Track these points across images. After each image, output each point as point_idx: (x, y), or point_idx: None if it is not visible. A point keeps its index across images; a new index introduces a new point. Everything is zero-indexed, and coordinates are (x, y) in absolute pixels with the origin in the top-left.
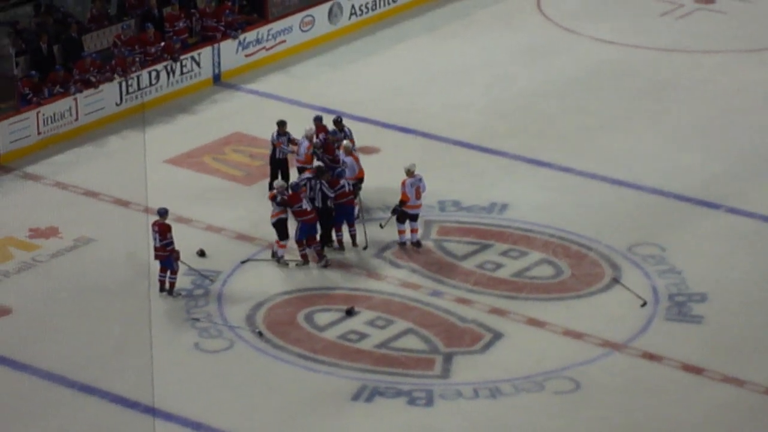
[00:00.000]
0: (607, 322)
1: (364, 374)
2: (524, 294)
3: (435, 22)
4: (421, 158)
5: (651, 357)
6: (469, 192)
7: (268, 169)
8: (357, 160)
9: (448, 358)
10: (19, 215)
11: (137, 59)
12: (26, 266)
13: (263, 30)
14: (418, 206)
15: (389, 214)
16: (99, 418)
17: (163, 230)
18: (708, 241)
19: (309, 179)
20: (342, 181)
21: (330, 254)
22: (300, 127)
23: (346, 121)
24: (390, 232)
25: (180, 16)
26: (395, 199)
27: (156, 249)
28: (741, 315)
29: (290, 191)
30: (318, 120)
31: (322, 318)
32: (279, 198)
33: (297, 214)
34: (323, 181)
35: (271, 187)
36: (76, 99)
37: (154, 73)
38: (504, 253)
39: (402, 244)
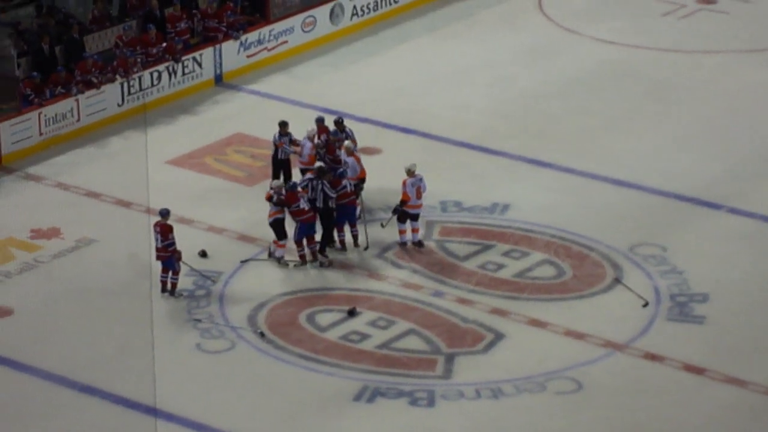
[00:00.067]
0: (609, 323)
1: (366, 375)
2: (526, 294)
3: (436, 22)
4: (422, 159)
5: (653, 357)
6: (471, 192)
7: (269, 170)
8: (359, 160)
9: (449, 359)
10: (20, 216)
11: (139, 60)
12: (28, 267)
13: (265, 31)
14: (419, 206)
15: (390, 214)
16: (101, 419)
17: (164, 231)
18: (709, 241)
19: (310, 180)
20: (344, 182)
21: (332, 255)
22: (302, 127)
23: (347, 122)
24: (391, 233)
25: (182, 17)
26: (397, 200)
27: (158, 250)
28: (743, 315)
29: (287, 191)
30: (320, 121)
31: (324, 318)
32: (275, 198)
33: (295, 214)
34: (325, 182)
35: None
36: (77, 100)
37: (155, 74)
38: (506, 254)
39: (402, 244)
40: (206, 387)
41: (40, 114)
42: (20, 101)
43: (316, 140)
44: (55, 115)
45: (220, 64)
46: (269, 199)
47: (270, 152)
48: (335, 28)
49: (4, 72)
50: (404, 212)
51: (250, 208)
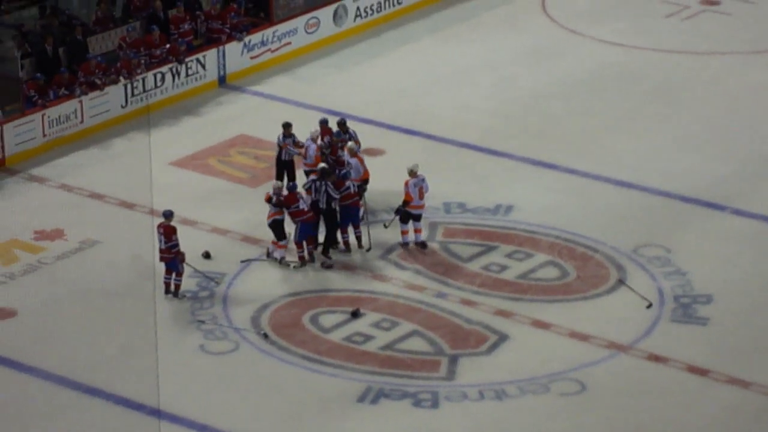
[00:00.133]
0: (613, 324)
1: (370, 376)
2: (529, 296)
3: (440, 24)
4: (426, 160)
5: (656, 359)
6: (475, 194)
7: (273, 171)
8: (362, 161)
9: (453, 360)
10: (24, 217)
11: (142, 61)
12: (31, 268)
13: (268, 32)
14: (422, 206)
15: (393, 215)
16: (104, 420)
17: (168, 232)
18: (713, 242)
19: (314, 181)
20: (347, 183)
21: (336, 256)
22: (305, 129)
23: (350, 123)
24: (395, 234)
25: (185, 19)
26: (399, 201)
27: (161, 251)
28: (746, 317)
29: (288, 191)
30: (323, 122)
31: (328, 320)
32: (275, 199)
33: (294, 215)
34: (329, 183)
35: None
36: (81, 101)
37: (159, 76)
38: (509, 255)
39: (405, 244)
40: (210, 388)
41: (43, 115)
42: (24, 103)
43: (319, 141)
44: (59, 116)
45: (224, 65)
46: (268, 200)
47: (273, 153)
48: (338, 30)
49: (8, 73)
50: (407, 213)
51: (254, 209)
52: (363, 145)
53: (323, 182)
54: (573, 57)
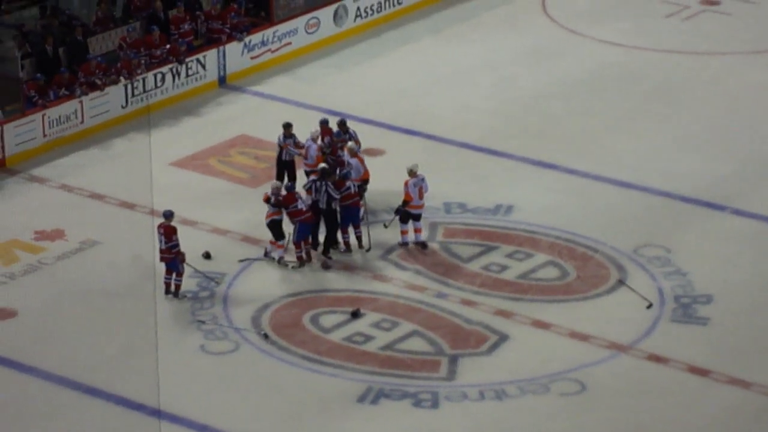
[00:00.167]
0: (613, 324)
1: (370, 376)
2: (530, 296)
3: (440, 24)
4: (426, 160)
5: (657, 359)
6: (475, 194)
7: (273, 171)
8: (362, 161)
9: (453, 360)
10: (24, 218)
11: (143, 62)
12: (32, 269)
13: (269, 32)
14: (421, 206)
15: (393, 215)
16: (104, 420)
17: (168, 232)
18: (714, 242)
19: (314, 181)
20: (348, 183)
21: (336, 256)
22: (305, 129)
23: (351, 123)
24: (395, 234)
25: (185, 19)
26: (399, 201)
27: (161, 251)
28: (747, 317)
29: (286, 191)
30: (324, 123)
31: (328, 320)
32: (273, 200)
33: (293, 215)
34: (329, 183)
35: None
36: (81, 101)
37: (159, 76)
38: (509, 255)
39: (404, 244)
40: (210, 388)
41: (43, 116)
42: (24, 103)
43: (319, 141)
44: (59, 116)
45: (224, 65)
46: (267, 200)
47: (274, 154)
48: (339, 30)
49: (8, 73)
50: (407, 212)
51: (254, 209)
52: (363, 146)
53: (324, 182)
54: (573, 57)
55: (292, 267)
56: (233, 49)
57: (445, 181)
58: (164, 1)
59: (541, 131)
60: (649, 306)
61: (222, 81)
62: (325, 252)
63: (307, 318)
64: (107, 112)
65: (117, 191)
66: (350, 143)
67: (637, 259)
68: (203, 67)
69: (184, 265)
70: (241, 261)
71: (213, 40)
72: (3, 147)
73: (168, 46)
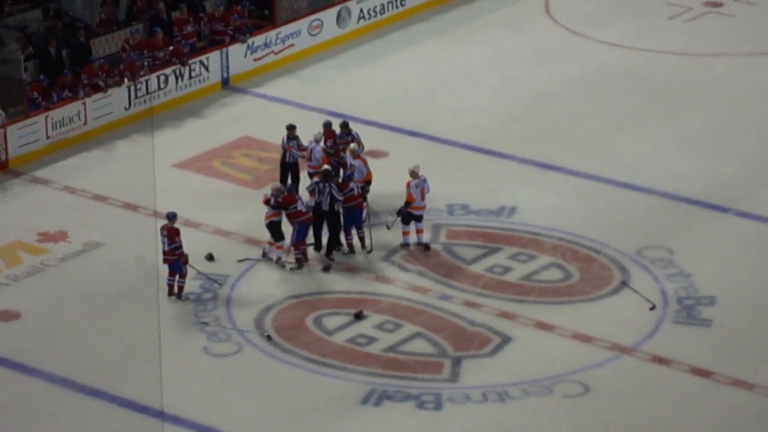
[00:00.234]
0: (616, 326)
1: (373, 378)
2: (533, 297)
3: (443, 26)
4: (429, 161)
5: (660, 360)
6: (478, 195)
7: (276, 173)
8: (365, 162)
9: (456, 362)
10: (27, 219)
11: (146, 63)
12: (35, 270)
13: (272, 34)
14: (423, 207)
15: (395, 216)
16: (108, 422)
17: (171, 234)
18: (717, 244)
19: (317, 183)
20: (351, 185)
21: (339, 258)
22: (309, 131)
23: (354, 125)
24: (398, 236)
25: (188, 20)
26: (402, 203)
27: (164, 253)
28: (750, 318)
29: (287, 192)
30: (327, 125)
31: (331, 322)
32: (273, 201)
33: (292, 216)
34: (332, 185)
35: None
36: (84, 103)
37: (162, 78)
38: (512, 257)
39: (405, 245)
40: (213, 390)
41: (47, 117)
42: (27, 105)
43: (322, 143)
44: (62, 118)
45: (227, 67)
46: (267, 202)
47: (277, 155)
48: (342, 32)
49: (11, 75)
50: (409, 214)
51: (257, 211)
52: (366, 147)
53: (327, 184)
54: (576, 59)
55: (290, 268)
56: (236, 50)
57: (448, 183)
58: (167, 2)
59: (544, 132)
60: (653, 308)
61: (225, 83)
62: (328, 254)
63: (310, 320)
64: (110, 113)
65: (120, 193)
66: (352, 145)
67: (640, 261)
68: (206, 68)
69: (187, 267)
70: (240, 261)
71: (216, 42)
72: (6, 149)
73: (171, 48)
